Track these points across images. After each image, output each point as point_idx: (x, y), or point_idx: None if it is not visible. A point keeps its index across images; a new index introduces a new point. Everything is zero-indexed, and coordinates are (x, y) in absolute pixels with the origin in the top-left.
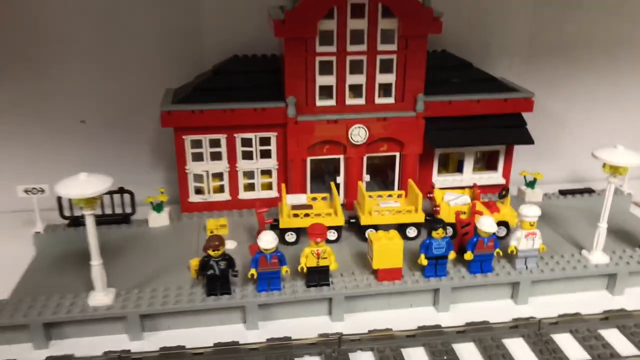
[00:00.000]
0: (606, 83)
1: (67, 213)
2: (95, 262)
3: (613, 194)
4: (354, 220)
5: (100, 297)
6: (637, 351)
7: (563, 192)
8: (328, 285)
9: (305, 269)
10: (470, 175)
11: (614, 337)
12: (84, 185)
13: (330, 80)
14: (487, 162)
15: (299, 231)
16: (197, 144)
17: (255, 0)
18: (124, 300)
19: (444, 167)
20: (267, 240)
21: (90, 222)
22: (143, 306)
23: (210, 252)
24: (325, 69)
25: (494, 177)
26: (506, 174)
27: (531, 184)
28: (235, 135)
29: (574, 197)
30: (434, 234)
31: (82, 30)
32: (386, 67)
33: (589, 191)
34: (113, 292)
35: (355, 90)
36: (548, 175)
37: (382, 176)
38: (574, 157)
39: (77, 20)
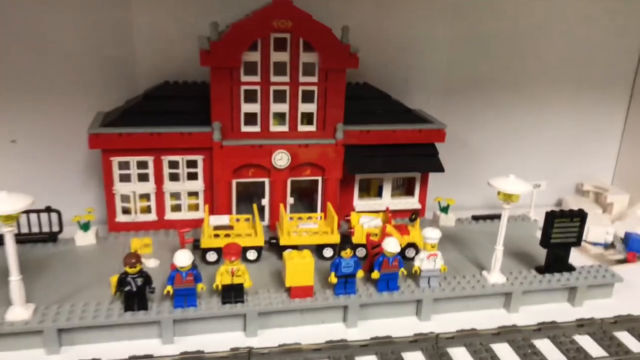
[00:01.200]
0: (515, 116)
1: None
2: (14, 277)
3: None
4: (274, 241)
5: (19, 312)
6: None
7: (475, 218)
8: (242, 302)
9: (220, 287)
10: (389, 200)
11: (503, 350)
12: (2, 203)
13: (254, 107)
14: (405, 188)
15: (219, 251)
16: (124, 165)
17: (186, 27)
18: (43, 315)
19: (366, 192)
20: (182, 259)
21: (9, 239)
22: (61, 320)
23: (127, 269)
24: (250, 97)
25: (411, 202)
26: (422, 200)
27: (445, 209)
28: (163, 157)
29: (485, 222)
30: (342, 253)
31: (13, 51)
32: (308, 97)
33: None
34: (32, 307)
35: (280, 118)
36: (465, 202)
37: (308, 199)
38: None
39: (7, 41)
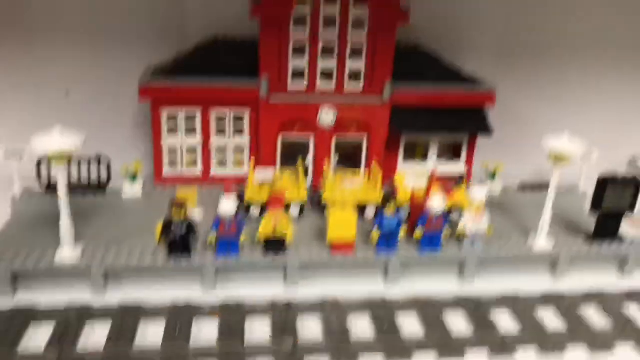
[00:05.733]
0: (569, 84)
1: (45, 180)
2: (64, 218)
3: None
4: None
5: (67, 254)
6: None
7: (523, 187)
8: (284, 253)
9: (262, 239)
10: (434, 164)
11: (547, 316)
12: (56, 141)
13: (302, 63)
14: (452, 154)
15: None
16: (173, 119)
17: None
18: (91, 257)
19: (411, 156)
20: (227, 206)
21: (61, 178)
22: (107, 263)
23: (173, 215)
24: (299, 52)
25: (457, 167)
26: (468, 164)
27: (492, 175)
28: (210, 111)
29: (532, 191)
30: (385, 209)
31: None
32: (356, 54)
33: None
34: (80, 249)
35: (326, 75)
36: (512, 171)
37: (352, 161)
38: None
39: None
